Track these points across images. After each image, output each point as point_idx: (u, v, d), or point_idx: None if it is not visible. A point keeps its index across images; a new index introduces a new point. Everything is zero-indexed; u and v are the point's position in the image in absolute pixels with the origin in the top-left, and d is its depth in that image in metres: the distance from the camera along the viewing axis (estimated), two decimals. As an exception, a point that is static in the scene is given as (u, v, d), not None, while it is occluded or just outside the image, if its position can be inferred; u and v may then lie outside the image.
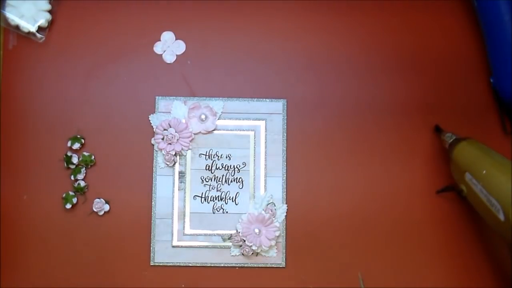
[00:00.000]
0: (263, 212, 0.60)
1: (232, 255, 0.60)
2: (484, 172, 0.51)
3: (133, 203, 0.60)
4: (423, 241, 0.61)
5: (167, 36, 0.62)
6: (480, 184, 0.51)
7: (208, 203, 0.60)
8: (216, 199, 0.60)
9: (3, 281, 0.59)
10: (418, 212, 0.61)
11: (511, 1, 0.57)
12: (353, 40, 0.63)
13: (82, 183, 0.60)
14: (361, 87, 0.62)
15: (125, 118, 0.61)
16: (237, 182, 0.61)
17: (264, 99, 0.61)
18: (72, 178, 0.60)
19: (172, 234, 0.60)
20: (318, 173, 0.61)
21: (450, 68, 0.63)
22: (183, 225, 0.60)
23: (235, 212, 0.60)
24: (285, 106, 0.61)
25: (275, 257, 0.59)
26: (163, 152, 0.60)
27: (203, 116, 0.60)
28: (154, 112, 0.61)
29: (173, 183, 0.60)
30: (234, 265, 0.59)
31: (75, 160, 0.60)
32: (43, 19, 0.61)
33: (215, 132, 0.61)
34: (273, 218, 0.60)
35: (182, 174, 0.60)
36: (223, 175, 0.61)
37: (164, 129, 0.60)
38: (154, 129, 0.60)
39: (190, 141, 0.60)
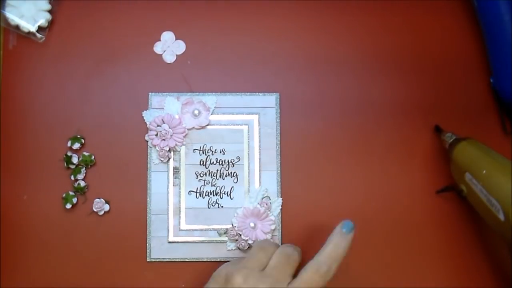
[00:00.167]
0: (258, 206, 0.59)
1: (228, 249, 0.59)
2: (484, 172, 0.51)
3: (131, 201, 0.60)
4: (422, 241, 0.60)
5: (167, 36, 0.62)
6: (480, 184, 0.51)
7: (203, 198, 0.60)
8: (211, 194, 0.60)
9: (3, 281, 0.59)
10: (418, 212, 0.60)
11: (511, 1, 0.57)
12: (351, 38, 0.62)
13: (82, 183, 0.60)
14: (360, 85, 0.62)
15: (125, 118, 0.61)
16: (231, 177, 0.60)
17: (257, 93, 0.62)
18: (72, 178, 0.60)
19: (168, 230, 0.60)
20: (313, 166, 0.61)
21: (450, 68, 0.62)
22: (178, 220, 0.60)
23: (230, 207, 0.60)
24: (278, 100, 0.61)
25: (271, 251, 0.59)
26: (157, 148, 0.60)
27: (196, 112, 0.61)
28: (148, 109, 0.61)
29: (168, 179, 0.60)
30: (230, 259, 0.59)
31: (75, 160, 0.60)
32: (43, 19, 0.61)
33: (208, 127, 0.61)
34: (268, 212, 0.59)
35: (176, 170, 0.61)
36: (217, 170, 0.61)
37: (158, 125, 0.60)
38: (147, 126, 0.61)
39: (184, 136, 0.61)
